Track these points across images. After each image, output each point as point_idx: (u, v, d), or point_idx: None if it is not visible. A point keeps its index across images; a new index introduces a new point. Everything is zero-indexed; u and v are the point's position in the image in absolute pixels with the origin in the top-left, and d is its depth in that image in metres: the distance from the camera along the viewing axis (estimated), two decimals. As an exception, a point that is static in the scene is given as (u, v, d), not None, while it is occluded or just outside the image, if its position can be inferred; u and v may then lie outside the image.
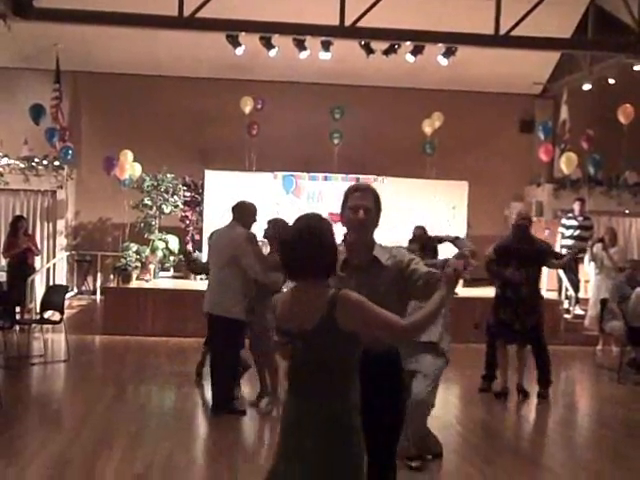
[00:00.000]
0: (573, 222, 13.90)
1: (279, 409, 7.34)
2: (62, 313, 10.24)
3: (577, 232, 13.76)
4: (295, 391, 3.32)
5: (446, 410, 8.06)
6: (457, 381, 9.55)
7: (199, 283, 13.00)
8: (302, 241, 3.27)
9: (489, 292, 9.33)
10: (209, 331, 7.74)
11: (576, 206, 14.00)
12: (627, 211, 15.94)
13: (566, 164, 15.12)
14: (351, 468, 3.22)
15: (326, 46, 13.33)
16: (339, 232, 3.55)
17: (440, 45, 13.39)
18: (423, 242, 6.46)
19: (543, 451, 7.10)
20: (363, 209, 3.86)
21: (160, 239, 14.71)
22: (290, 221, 3.53)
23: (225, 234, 7.60)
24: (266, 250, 8.07)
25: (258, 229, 7.75)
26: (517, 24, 12.20)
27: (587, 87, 14.94)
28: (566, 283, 13.82)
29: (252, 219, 7.68)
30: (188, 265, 10.84)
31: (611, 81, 14.61)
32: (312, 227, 3.32)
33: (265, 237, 7.78)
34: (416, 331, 3.40)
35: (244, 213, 7.62)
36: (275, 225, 7.63)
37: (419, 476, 5.84)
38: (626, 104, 14.83)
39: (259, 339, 7.60)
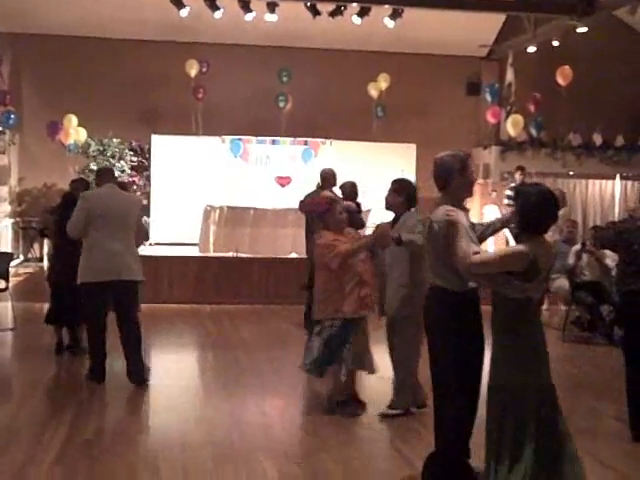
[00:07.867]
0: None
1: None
2: (7, 281, 10.11)
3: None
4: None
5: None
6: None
7: (148, 249, 12.81)
8: None
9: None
10: (116, 298, 7.21)
11: (517, 175, 13.74)
12: (571, 173, 16.19)
13: (512, 126, 15.26)
14: None
15: (272, 8, 13.24)
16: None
17: (386, 7, 13.40)
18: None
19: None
20: None
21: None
22: None
23: (122, 198, 7.42)
24: None
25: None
26: (463, -14, 12.25)
27: (532, 49, 15.05)
28: (512, 243, 13.98)
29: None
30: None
31: (555, 43, 14.73)
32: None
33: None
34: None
35: (113, 175, 7.79)
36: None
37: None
38: (565, 65, 14.94)
39: None
